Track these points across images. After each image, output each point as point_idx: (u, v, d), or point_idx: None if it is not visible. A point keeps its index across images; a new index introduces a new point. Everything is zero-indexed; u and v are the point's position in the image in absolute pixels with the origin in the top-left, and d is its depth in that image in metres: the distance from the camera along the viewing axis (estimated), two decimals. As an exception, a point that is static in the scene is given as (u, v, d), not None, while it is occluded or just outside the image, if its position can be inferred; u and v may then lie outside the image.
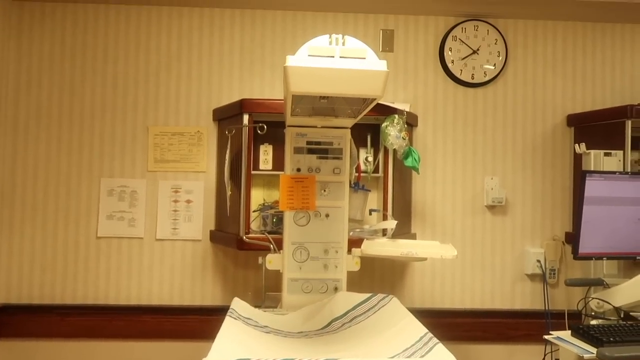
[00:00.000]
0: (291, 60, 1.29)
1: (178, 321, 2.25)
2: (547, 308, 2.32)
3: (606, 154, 2.07)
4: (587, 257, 1.91)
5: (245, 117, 2.07)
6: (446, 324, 2.23)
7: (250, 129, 2.06)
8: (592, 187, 1.83)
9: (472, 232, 2.37)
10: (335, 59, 1.31)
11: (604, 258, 1.94)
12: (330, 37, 1.34)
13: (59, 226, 2.26)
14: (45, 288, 2.25)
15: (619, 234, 1.88)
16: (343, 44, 1.34)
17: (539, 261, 2.33)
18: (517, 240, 2.38)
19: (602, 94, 2.43)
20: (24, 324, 2.22)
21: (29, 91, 2.28)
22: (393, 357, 1.30)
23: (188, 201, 2.30)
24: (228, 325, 1.51)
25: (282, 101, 1.90)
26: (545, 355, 2.17)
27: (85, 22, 2.30)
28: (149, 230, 2.28)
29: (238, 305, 1.75)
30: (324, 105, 1.61)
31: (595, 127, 2.27)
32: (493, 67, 2.38)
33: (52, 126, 2.28)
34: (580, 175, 1.88)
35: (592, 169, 2.06)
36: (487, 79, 2.38)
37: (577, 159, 2.30)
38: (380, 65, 1.30)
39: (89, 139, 2.29)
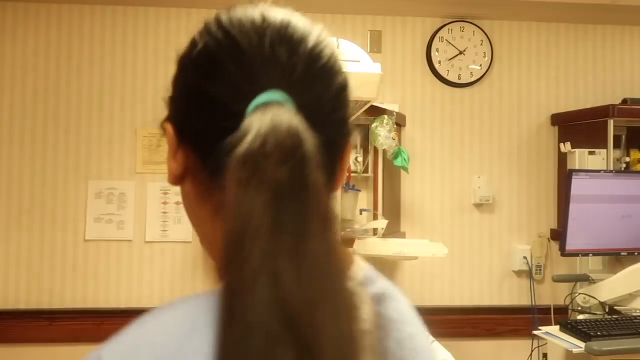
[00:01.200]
0: (286, 63, 1.30)
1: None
2: (533, 304, 2.37)
3: (590, 153, 2.12)
4: (574, 254, 1.96)
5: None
6: (437, 320, 2.23)
7: (241, 130, 2.06)
8: (578, 185, 1.87)
9: (460, 230, 2.41)
10: (330, 62, 1.31)
11: (590, 254, 1.99)
12: (324, 39, 1.35)
13: (45, 229, 2.23)
14: (32, 293, 2.21)
15: (604, 230, 1.93)
16: (337, 47, 1.35)
17: (525, 258, 2.38)
18: (504, 237, 2.42)
19: (584, 94, 2.48)
20: (11, 330, 2.18)
21: (12, 93, 2.24)
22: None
23: (177, 203, 2.28)
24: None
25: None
26: (532, 350, 2.22)
27: (70, 23, 2.27)
28: (138, 233, 2.26)
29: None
30: (316, 107, 1.62)
31: (579, 126, 2.32)
32: (479, 68, 2.41)
33: (37, 128, 2.24)
34: (566, 174, 1.93)
35: (576, 167, 2.11)
36: (473, 79, 2.41)
37: (562, 157, 2.35)
38: (375, 67, 1.32)
39: (75, 141, 2.26)
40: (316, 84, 0.47)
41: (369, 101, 1.41)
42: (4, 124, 2.23)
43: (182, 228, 2.28)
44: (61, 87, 2.26)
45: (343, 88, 0.50)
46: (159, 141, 2.28)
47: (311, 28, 0.49)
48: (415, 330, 0.52)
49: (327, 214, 0.42)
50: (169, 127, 0.52)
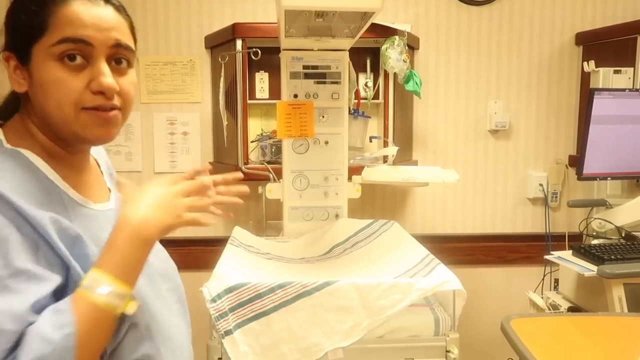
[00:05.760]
0: (283, -28, 1.20)
1: (180, 253, 2.25)
2: (547, 230, 2.33)
3: (616, 72, 1.99)
4: (592, 178, 1.88)
5: (239, 43, 1.98)
6: (448, 248, 2.24)
7: (245, 56, 1.97)
8: (600, 106, 1.77)
9: (475, 157, 2.33)
10: (330, -31, 1.21)
11: (609, 178, 1.91)
12: (324, -56, 1.24)
13: (55, 162, 2.23)
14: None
15: (625, 153, 1.84)
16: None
17: (541, 185, 2.31)
18: (519, 164, 2.35)
19: (613, 10, 2.30)
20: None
21: None
22: (396, 277, 1.31)
23: (185, 133, 2.25)
24: (229, 253, 1.51)
25: (277, 24, 1.81)
26: (544, 275, 2.20)
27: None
28: (147, 164, 2.25)
29: (239, 233, 1.75)
30: (320, 24, 1.52)
31: (605, 45, 2.17)
32: (499, -17, 2.24)
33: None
34: (588, 94, 1.82)
35: (600, 87, 1.99)
36: (492, -5, 2.25)
37: (585, 79, 2.22)
38: (379, -26, 1.21)
39: (78, 71, 2.20)
40: None
41: (373, 13, 1.30)
42: None
43: (191, 158, 2.26)
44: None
45: None
46: (162, 70, 2.22)
47: None
48: None
49: None
50: None
